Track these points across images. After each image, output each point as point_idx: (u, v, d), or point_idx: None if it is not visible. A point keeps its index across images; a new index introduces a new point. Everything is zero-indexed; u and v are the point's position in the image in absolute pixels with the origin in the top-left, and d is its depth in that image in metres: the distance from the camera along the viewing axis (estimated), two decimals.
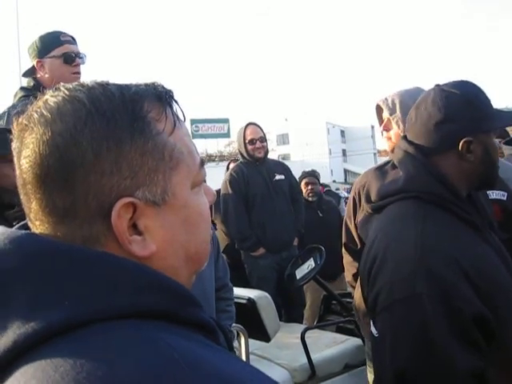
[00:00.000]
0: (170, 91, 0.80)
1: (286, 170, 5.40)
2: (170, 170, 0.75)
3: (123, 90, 0.74)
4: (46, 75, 3.01)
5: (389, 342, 1.42)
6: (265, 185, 5.11)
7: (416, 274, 1.39)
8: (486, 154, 1.59)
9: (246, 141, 5.11)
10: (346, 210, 2.91)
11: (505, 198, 2.78)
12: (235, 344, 3.03)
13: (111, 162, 0.70)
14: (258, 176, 5.13)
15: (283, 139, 70.36)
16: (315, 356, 3.49)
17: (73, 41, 3.07)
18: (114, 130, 0.71)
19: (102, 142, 0.70)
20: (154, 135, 0.74)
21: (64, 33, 3.06)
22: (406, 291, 1.40)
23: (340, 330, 4.22)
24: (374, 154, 68.57)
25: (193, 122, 42.05)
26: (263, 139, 5.17)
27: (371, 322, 1.67)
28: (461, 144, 1.55)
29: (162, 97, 0.78)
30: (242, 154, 5.22)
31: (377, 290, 1.49)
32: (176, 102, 0.81)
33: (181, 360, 0.61)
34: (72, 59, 3.01)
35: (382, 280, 1.48)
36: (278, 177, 5.21)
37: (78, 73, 3.05)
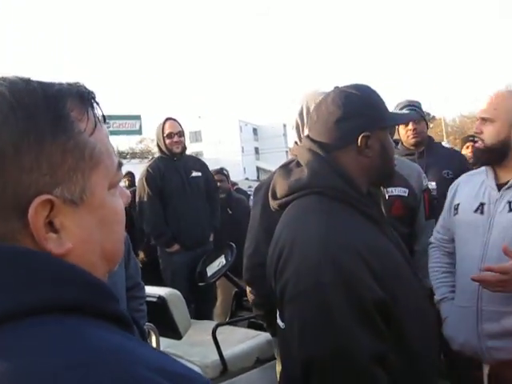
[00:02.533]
0: (92, 92, 0.81)
1: (203, 167, 5.44)
2: (90, 169, 0.76)
3: (46, 87, 0.75)
4: None
5: (296, 331, 1.48)
6: (181, 181, 5.12)
7: (321, 264, 1.46)
8: (382, 149, 1.70)
9: (164, 135, 5.12)
10: (266, 214, 2.56)
11: (406, 195, 2.92)
12: None
13: (31, 157, 0.70)
14: (174, 172, 5.14)
15: (196, 136, 69.96)
16: (227, 352, 3.50)
17: None
18: (35, 125, 0.70)
19: (22, 137, 0.70)
20: (75, 134, 0.74)
21: None
22: (311, 281, 1.46)
23: (252, 325, 4.26)
24: (286, 151, 69.38)
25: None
26: (181, 134, 5.19)
27: (277, 314, 1.72)
28: (359, 139, 1.65)
29: (84, 97, 0.78)
30: (160, 149, 5.22)
31: (284, 281, 1.54)
32: (97, 103, 0.81)
33: (107, 350, 0.62)
34: None
35: (288, 271, 1.53)
36: (194, 173, 5.24)
37: None
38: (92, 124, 0.77)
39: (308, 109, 2.67)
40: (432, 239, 2.72)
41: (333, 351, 1.41)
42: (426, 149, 3.91)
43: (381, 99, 1.76)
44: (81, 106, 0.77)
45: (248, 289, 2.79)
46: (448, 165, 3.84)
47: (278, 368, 2.79)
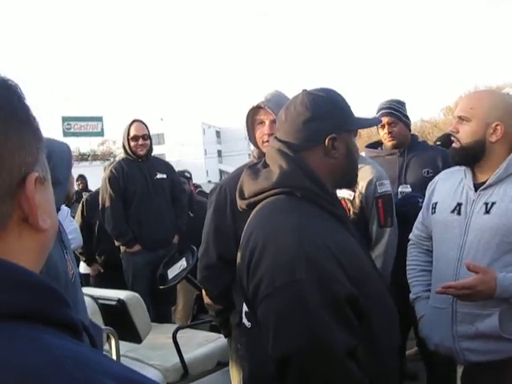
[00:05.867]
0: (16, 83, 0.82)
1: (169, 169, 5.47)
2: (43, 150, 0.79)
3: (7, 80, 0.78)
4: None
5: (272, 327, 1.49)
6: (144, 182, 5.15)
7: (295, 261, 1.49)
8: (348, 151, 1.75)
9: (130, 137, 5.14)
10: (217, 215, 2.66)
11: (351, 198, 2.95)
12: (106, 347, 2.97)
13: (18, 139, 0.72)
14: (138, 173, 5.16)
15: (158, 139, 69.29)
16: (187, 355, 3.50)
17: None
18: (16, 114, 0.74)
19: (10, 123, 0.72)
20: (34, 120, 0.78)
21: None
22: (286, 278, 1.48)
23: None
24: (249, 154, 69.10)
25: (64, 119, 39.80)
26: (147, 137, 5.20)
27: (243, 314, 1.75)
28: (327, 140, 1.69)
29: (14, 87, 0.80)
30: (125, 150, 5.23)
31: (258, 278, 1.55)
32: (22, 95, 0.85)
33: (66, 357, 0.61)
34: None
35: (262, 269, 1.55)
36: (159, 175, 5.26)
37: None
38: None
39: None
40: (411, 236, 2.72)
41: (309, 346, 1.43)
42: (408, 148, 3.89)
43: (346, 103, 1.80)
44: (21, 96, 0.79)
45: (203, 290, 2.80)
46: (429, 163, 3.80)
47: (233, 370, 2.78)
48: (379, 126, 3.82)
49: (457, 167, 2.47)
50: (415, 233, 2.69)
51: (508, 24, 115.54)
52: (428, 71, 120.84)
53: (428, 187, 2.64)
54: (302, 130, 1.70)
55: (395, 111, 3.86)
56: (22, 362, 0.58)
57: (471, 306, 2.18)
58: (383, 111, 3.84)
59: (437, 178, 2.63)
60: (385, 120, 3.80)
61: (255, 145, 2.64)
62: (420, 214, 2.67)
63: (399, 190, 3.62)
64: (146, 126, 5.26)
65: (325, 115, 1.71)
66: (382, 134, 3.89)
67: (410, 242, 2.73)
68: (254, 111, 2.60)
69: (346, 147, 1.74)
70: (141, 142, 5.13)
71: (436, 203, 2.46)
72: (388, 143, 3.89)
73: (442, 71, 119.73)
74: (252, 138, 2.65)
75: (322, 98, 1.73)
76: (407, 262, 2.69)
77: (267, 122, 2.52)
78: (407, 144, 3.91)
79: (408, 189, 3.59)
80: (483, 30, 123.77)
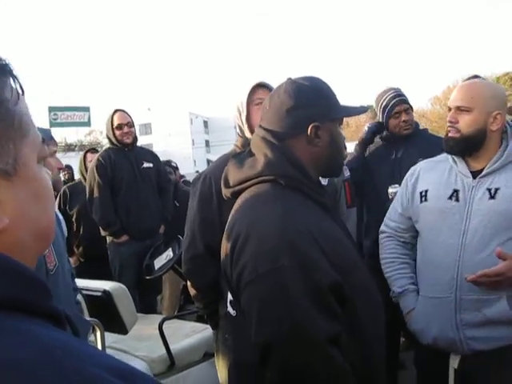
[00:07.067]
0: (9, 62, 0.76)
1: (154, 159, 5.47)
2: (21, 138, 0.72)
3: None
4: None
5: (254, 314, 1.51)
6: (132, 171, 5.13)
7: (278, 248, 1.50)
8: (332, 140, 1.74)
9: (114, 126, 5.11)
10: (203, 205, 2.61)
11: (325, 183, 2.94)
12: (91, 338, 2.94)
13: None
14: (125, 162, 5.14)
15: (146, 129, 69.11)
16: (174, 346, 3.49)
17: None
18: None
19: None
20: (2, 101, 0.70)
21: None
22: (269, 265, 1.49)
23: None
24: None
25: (51, 109, 39.12)
26: (131, 124, 5.18)
27: (228, 303, 1.76)
28: (309, 128, 1.68)
29: (3, 67, 0.74)
30: (110, 141, 5.20)
31: (241, 265, 1.56)
32: (14, 75, 0.77)
33: (55, 347, 0.60)
34: None
35: (246, 256, 1.55)
36: (146, 164, 5.26)
37: None
38: (15, 94, 0.73)
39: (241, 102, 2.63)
40: (384, 228, 2.66)
41: (290, 333, 1.44)
42: (409, 135, 3.78)
43: (332, 91, 1.79)
44: (2, 75, 0.73)
45: (189, 282, 2.77)
46: (428, 152, 3.61)
47: (219, 361, 2.76)
48: (392, 114, 3.72)
49: (438, 157, 2.48)
50: (391, 225, 2.63)
51: (491, 17, 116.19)
52: (416, 61, 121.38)
53: (409, 177, 2.59)
54: (286, 118, 1.70)
55: (406, 98, 3.78)
56: (12, 357, 0.57)
57: (477, 291, 2.16)
58: (398, 99, 3.73)
59: (417, 167, 2.59)
60: (401, 108, 3.71)
61: (249, 128, 2.57)
62: (397, 206, 2.62)
63: (389, 190, 3.53)
64: (128, 114, 5.24)
65: (308, 103, 1.71)
66: (397, 123, 3.74)
67: (383, 235, 2.67)
68: (255, 90, 2.57)
69: (329, 136, 1.73)
70: (126, 129, 5.11)
71: (426, 191, 2.43)
72: (404, 131, 3.75)
73: (429, 62, 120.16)
74: (246, 120, 2.59)
75: (305, 86, 1.73)
76: (383, 255, 2.63)
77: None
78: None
79: (397, 189, 3.40)
80: (469, 22, 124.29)
